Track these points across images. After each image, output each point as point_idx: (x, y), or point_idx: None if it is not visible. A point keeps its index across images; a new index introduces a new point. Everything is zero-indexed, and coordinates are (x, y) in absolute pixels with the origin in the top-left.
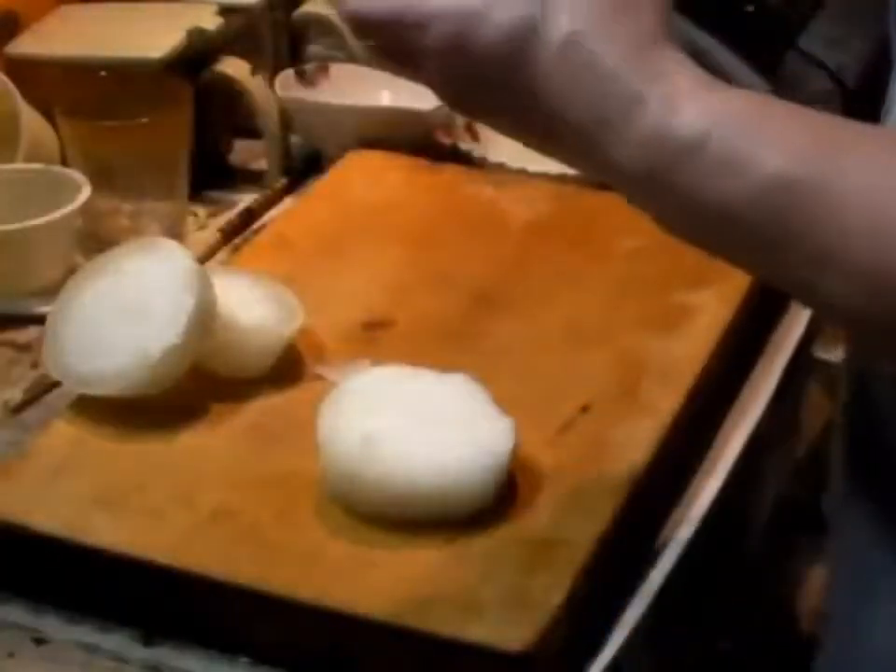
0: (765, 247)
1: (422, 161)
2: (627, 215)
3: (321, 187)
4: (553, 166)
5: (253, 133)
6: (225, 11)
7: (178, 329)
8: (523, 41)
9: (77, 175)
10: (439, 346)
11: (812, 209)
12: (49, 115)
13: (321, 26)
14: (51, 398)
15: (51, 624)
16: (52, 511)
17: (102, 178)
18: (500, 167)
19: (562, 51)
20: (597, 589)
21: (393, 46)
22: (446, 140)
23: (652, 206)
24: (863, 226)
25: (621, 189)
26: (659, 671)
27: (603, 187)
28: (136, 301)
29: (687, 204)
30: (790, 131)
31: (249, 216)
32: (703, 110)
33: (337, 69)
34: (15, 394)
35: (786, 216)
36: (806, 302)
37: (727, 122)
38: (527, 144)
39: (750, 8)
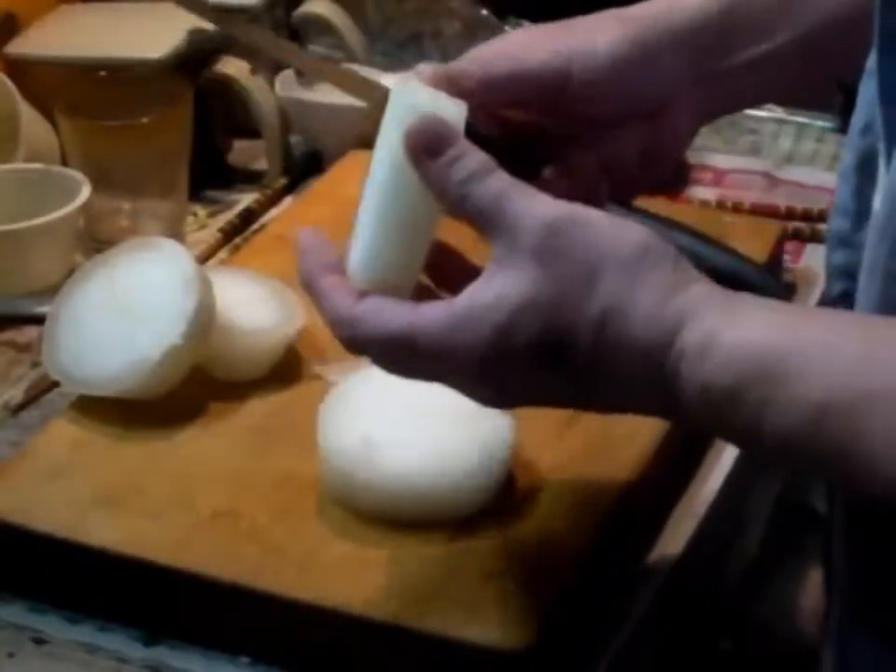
0: (828, 467)
1: None
2: None
3: (321, 187)
4: None
5: (253, 133)
6: (225, 11)
7: (178, 330)
8: (553, 346)
9: (77, 175)
10: None
11: (854, 431)
12: (49, 115)
13: (321, 26)
14: (51, 398)
15: (51, 624)
16: (52, 511)
17: (102, 178)
18: None
19: (596, 333)
20: (597, 588)
21: (410, 367)
22: None
23: (721, 438)
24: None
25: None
26: (659, 671)
27: None
28: (136, 301)
29: (744, 440)
30: (820, 356)
31: (249, 216)
32: (729, 358)
33: None
34: (15, 394)
35: (834, 439)
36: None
37: (756, 363)
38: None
39: None
